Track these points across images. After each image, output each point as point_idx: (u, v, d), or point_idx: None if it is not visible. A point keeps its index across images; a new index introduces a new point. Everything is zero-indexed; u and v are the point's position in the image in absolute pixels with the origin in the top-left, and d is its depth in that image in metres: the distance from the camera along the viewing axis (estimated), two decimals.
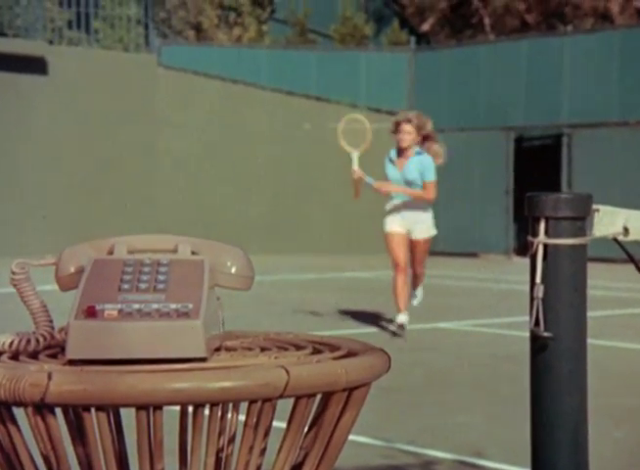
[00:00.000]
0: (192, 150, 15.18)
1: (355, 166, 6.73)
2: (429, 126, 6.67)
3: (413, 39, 17.95)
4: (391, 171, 6.77)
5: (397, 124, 6.63)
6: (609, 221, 1.56)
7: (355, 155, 6.77)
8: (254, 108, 15.66)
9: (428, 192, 6.64)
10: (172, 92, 15.14)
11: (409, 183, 6.67)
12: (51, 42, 15.22)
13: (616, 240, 1.57)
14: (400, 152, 6.75)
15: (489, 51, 16.11)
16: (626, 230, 1.57)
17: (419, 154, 6.69)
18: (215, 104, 15.45)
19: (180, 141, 15.08)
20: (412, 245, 6.78)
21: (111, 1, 16.43)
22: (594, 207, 1.58)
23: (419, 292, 7.12)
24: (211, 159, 15.27)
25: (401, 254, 6.72)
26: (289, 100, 15.94)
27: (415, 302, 7.02)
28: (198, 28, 18.73)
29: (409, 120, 6.60)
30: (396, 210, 6.77)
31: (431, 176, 6.63)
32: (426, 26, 21.76)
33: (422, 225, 6.73)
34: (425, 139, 6.70)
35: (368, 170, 6.84)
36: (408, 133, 6.60)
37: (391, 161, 6.79)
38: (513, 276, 11.47)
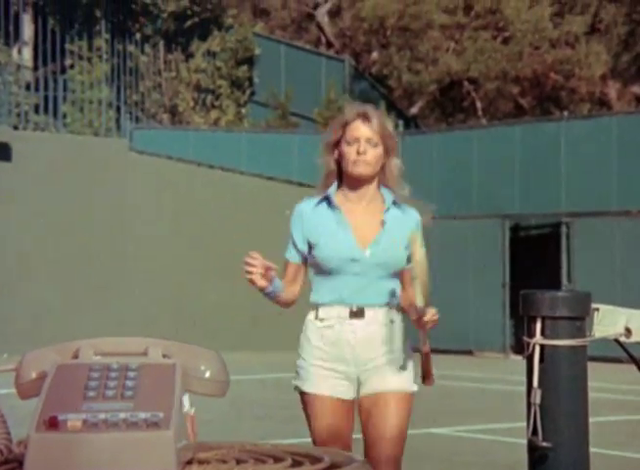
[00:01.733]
0: (166, 239, 15.21)
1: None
2: (393, 134, 3.33)
3: (401, 123, 18.26)
4: (338, 239, 3.17)
5: (345, 123, 3.23)
6: (610, 321, 1.57)
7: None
8: (233, 194, 15.78)
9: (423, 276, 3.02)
10: (145, 178, 15.25)
11: (378, 268, 3.17)
12: (16, 127, 15.38)
13: (617, 341, 1.58)
14: (352, 189, 3.23)
15: (482, 136, 16.39)
16: (629, 331, 1.59)
17: (397, 207, 3.24)
18: (191, 190, 15.57)
19: (154, 230, 15.12)
20: (366, 413, 3.15)
21: (81, 84, 16.71)
22: (593, 305, 1.59)
23: None
24: (187, 248, 15.30)
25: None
26: (270, 186, 16.09)
27: None
28: (173, 111, 19.01)
29: (368, 118, 3.21)
30: (335, 332, 3.14)
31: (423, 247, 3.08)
32: (414, 110, 22.17)
33: (394, 364, 3.13)
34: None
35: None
36: (372, 145, 3.19)
37: (334, 210, 3.20)
38: (511, 376, 11.40)
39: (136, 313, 14.41)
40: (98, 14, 18.55)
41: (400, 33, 20.62)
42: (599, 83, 20.10)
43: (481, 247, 15.74)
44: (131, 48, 18.50)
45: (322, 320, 3.16)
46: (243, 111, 19.75)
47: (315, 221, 3.21)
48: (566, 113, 17.70)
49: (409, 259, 3.09)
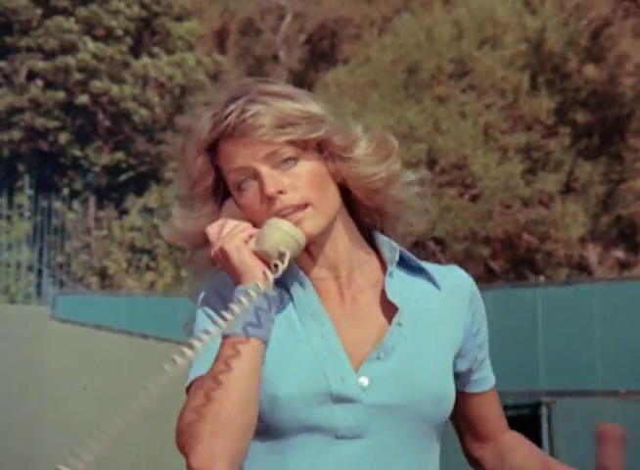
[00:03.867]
0: (91, 424, 14.81)
1: None
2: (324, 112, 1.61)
3: None
4: (307, 357, 1.57)
5: (204, 147, 1.63)
6: None
7: None
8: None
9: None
10: (69, 351, 15.00)
11: (397, 416, 1.57)
12: None
13: None
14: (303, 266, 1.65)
15: None
16: None
17: (415, 270, 1.71)
18: (121, 364, 15.32)
19: (77, 413, 14.74)
20: None
21: None
22: None
23: None
24: (116, 435, 14.89)
25: None
26: None
27: None
28: (102, 274, 18.96)
29: (245, 121, 1.57)
30: None
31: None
32: None
33: None
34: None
35: None
36: (282, 164, 1.59)
37: (301, 293, 1.62)
38: None
39: None
40: (21, 168, 18.74)
41: None
42: (577, 246, 20.48)
43: (449, 431, 15.50)
44: (57, 204, 18.62)
45: None
46: (182, 273, 19.75)
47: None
48: (542, 278, 17.91)
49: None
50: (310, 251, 1.64)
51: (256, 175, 1.59)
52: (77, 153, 20.16)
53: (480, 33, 20.37)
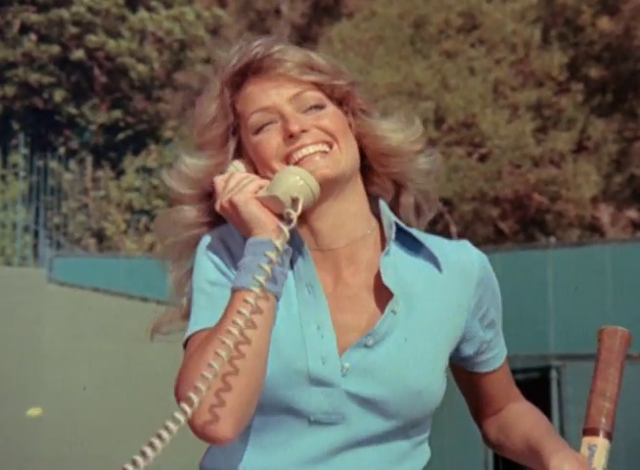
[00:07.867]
0: (88, 388, 14.94)
1: None
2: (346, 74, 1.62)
3: None
4: (293, 332, 1.53)
5: (226, 87, 1.62)
6: None
7: None
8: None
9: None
10: (66, 314, 15.08)
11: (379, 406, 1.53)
12: None
13: None
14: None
15: None
16: None
17: (416, 245, 1.68)
18: (120, 328, 15.40)
19: (73, 377, 14.85)
20: None
21: None
22: None
23: None
24: (114, 397, 15.03)
25: None
26: None
27: None
28: (100, 236, 19.00)
29: (275, 59, 1.58)
30: None
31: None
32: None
33: None
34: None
35: None
36: (310, 107, 1.59)
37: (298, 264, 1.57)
38: None
39: None
40: (15, 126, 18.71)
41: None
42: (589, 206, 20.47)
43: (457, 398, 15.60)
44: (53, 164, 18.63)
45: None
46: None
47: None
48: (552, 239, 17.92)
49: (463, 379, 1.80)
50: (314, 217, 1.59)
51: (281, 116, 1.58)
52: (73, 110, 20.14)
53: None
